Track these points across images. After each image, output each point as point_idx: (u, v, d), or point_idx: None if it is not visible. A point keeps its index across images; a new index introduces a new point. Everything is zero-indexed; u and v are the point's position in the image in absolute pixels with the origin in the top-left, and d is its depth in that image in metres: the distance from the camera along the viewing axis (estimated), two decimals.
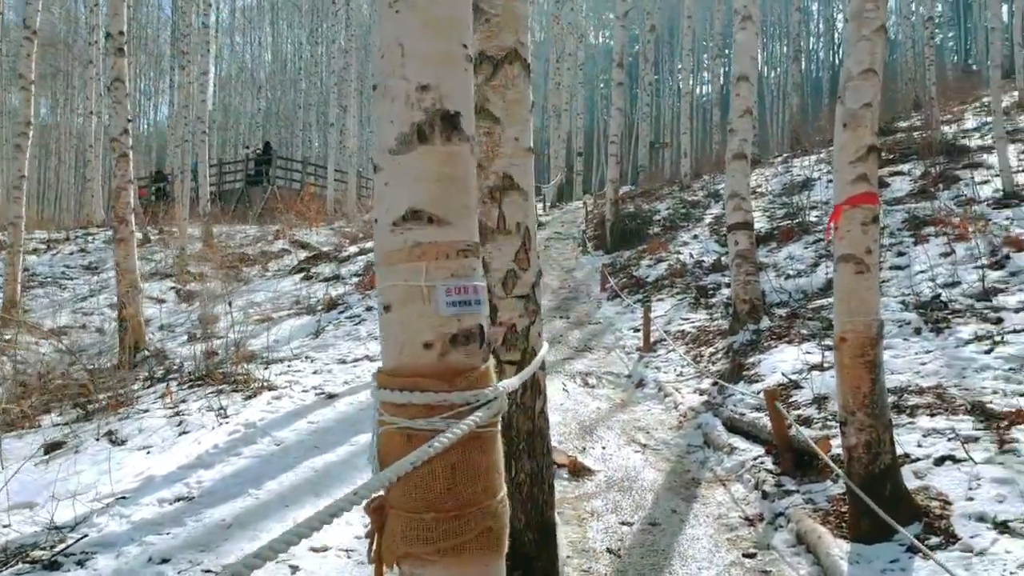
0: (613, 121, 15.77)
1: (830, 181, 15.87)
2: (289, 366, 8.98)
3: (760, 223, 13.28)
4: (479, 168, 3.39)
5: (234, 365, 8.58)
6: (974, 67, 32.24)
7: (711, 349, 8.41)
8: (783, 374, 6.57)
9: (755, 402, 6.14)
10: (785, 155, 21.07)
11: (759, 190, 16.27)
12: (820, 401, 5.76)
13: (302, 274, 16.43)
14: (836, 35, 54.99)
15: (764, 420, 5.54)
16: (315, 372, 8.65)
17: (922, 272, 8.80)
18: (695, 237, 13.82)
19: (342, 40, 30.07)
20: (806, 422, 5.51)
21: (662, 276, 12.06)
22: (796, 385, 6.30)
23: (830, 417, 5.42)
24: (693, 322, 9.67)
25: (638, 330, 9.86)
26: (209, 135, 41.14)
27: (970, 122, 17.08)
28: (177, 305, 15.24)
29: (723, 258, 11.96)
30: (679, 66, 21.57)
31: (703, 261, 12.17)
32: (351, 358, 9.43)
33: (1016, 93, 17.53)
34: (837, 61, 51.00)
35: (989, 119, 15.80)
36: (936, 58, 19.41)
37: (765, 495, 4.67)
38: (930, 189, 12.52)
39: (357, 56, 28.95)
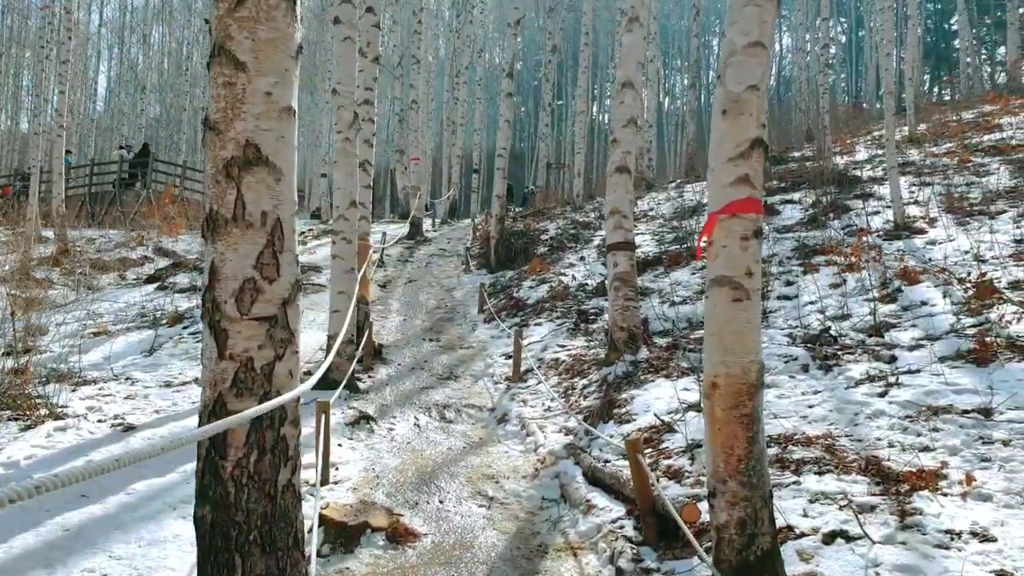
0: (501, 133, 14.90)
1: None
2: (100, 389, 7.67)
3: (649, 247, 12.64)
4: (214, 133, 2.37)
5: (38, 386, 7.21)
6: (864, 105, 33.05)
7: (584, 381, 7.54)
8: (656, 415, 5.72)
9: (623, 447, 5.28)
10: (679, 181, 20.74)
11: (651, 214, 15.72)
12: (695, 449, 4.93)
13: (157, 284, 14.91)
14: None
15: (629, 471, 4.66)
16: (128, 397, 7.37)
17: (811, 303, 8.20)
18: (582, 259, 13.06)
19: None
20: (676, 475, 4.66)
21: (543, 298, 11.20)
22: (670, 428, 5.46)
23: (704, 470, 4.59)
24: (570, 350, 8.82)
25: (509, 356, 8.95)
26: (77, 133, 38.50)
27: (861, 154, 17.02)
28: (6, 315, 13.51)
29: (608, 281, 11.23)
30: (579, 85, 20.98)
31: (587, 284, 11.38)
32: (179, 380, 8.19)
33: (906, 128, 17.59)
34: None
35: (880, 151, 15.73)
36: (829, 91, 19.41)
37: (620, 573, 3.75)
38: (821, 218, 12.15)
39: None
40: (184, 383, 8.02)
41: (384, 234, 17.61)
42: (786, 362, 6.45)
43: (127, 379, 8.18)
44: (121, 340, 10.55)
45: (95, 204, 26.13)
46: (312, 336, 9.25)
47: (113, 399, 7.27)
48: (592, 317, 9.92)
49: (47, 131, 19.70)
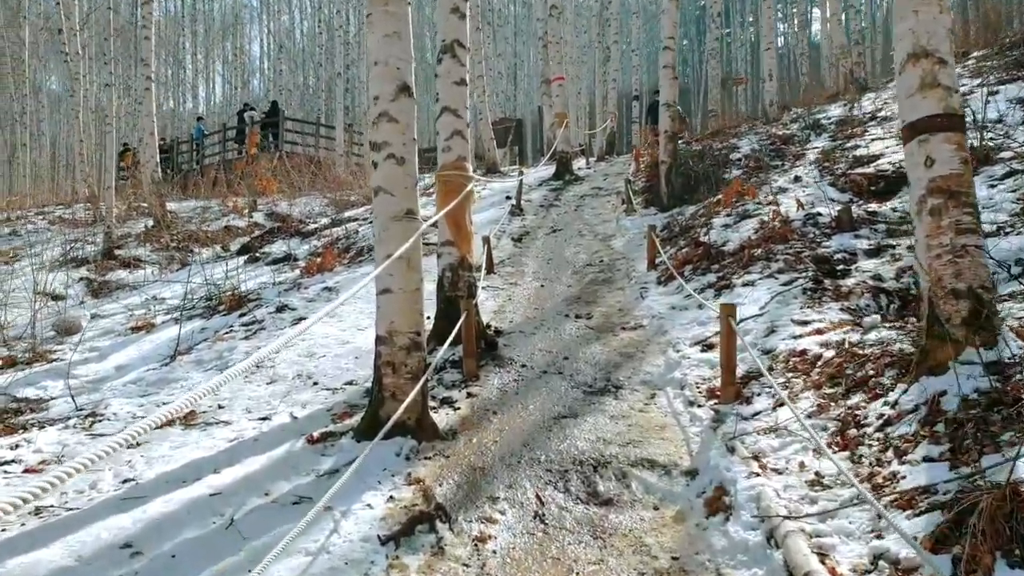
0: (666, 17, 10.73)
1: (991, 94, 10.65)
2: (18, 444, 4.60)
3: (896, 156, 8.34)
4: None
5: None
6: None
7: (881, 407, 3.64)
8: None
9: None
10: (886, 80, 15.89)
11: (880, 115, 11.25)
12: None
13: (248, 255, 12.13)
14: None
15: None
16: (32, 469, 4.22)
17: None
18: (796, 180, 8.90)
19: None
20: None
21: (750, 241, 7.21)
22: None
23: None
24: (820, 328, 4.91)
25: (709, 345, 5.20)
26: (229, 104, 36.92)
27: None
28: (78, 302, 11.11)
29: (854, 207, 7.11)
30: None
31: (818, 214, 7.26)
32: (172, 412, 5.06)
33: None
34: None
35: None
36: None
37: None
38: None
39: None
40: (171, 421, 4.83)
41: (521, 172, 14.07)
42: None
43: (90, 416, 5.13)
44: (153, 338, 7.68)
45: (228, 171, 24.10)
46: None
47: (14, 465, 4.19)
48: (840, 269, 5.94)
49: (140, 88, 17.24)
